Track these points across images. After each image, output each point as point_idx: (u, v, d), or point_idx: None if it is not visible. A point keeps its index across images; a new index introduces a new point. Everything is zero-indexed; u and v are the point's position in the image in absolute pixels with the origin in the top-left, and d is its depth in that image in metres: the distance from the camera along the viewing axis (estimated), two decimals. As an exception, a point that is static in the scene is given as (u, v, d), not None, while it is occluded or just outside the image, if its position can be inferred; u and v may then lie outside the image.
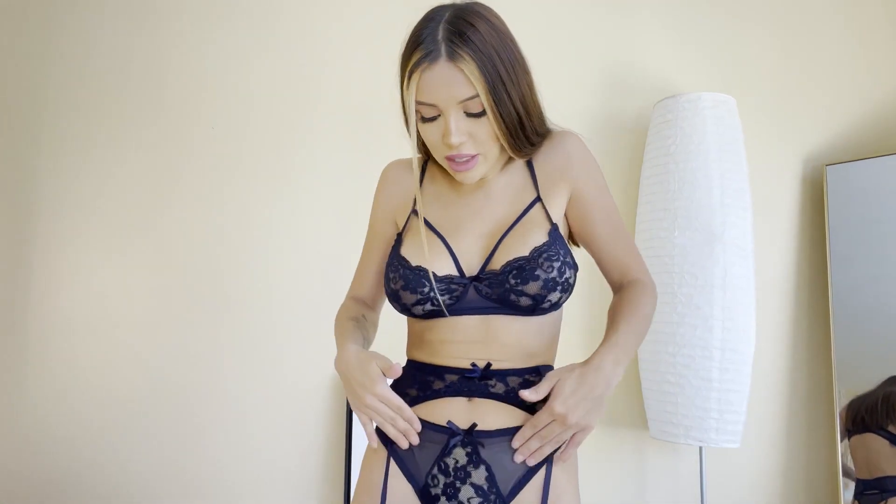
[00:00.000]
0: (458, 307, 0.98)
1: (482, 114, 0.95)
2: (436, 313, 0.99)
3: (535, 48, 2.12)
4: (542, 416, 0.90)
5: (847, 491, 1.82)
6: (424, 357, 1.03)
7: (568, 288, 0.97)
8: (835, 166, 1.96)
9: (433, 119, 0.97)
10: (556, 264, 0.95)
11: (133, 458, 2.08)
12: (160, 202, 2.16)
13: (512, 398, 0.96)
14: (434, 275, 0.98)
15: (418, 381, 1.01)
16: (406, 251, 1.02)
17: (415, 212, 1.06)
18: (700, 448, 1.81)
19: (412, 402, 0.99)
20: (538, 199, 1.04)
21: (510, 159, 1.08)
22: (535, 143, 1.05)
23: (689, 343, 1.73)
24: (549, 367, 1.04)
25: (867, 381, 1.82)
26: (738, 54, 2.09)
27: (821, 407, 1.97)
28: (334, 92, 2.16)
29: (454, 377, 0.98)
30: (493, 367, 0.98)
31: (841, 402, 1.85)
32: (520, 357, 0.99)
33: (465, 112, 0.95)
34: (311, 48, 2.19)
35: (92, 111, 2.21)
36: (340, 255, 1.97)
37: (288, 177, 2.14)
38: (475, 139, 0.97)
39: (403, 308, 1.00)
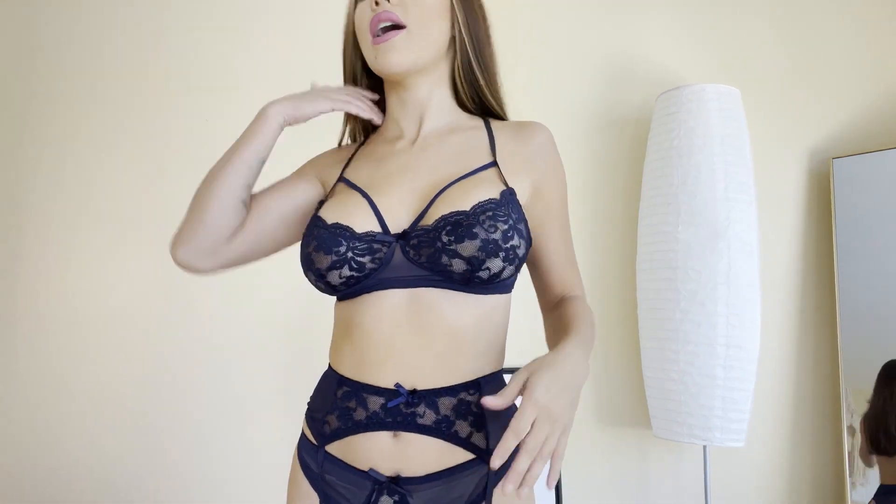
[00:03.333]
0: (382, 277, 0.83)
1: None
2: (357, 283, 0.84)
3: (537, 39, 2.12)
4: (525, 414, 0.70)
5: (854, 491, 1.80)
6: (346, 367, 0.87)
7: (514, 259, 0.82)
8: (841, 159, 1.94)
9: None
10: (502, 226, 0.80)
11: (130, 457, 2.07)
12: (155, 195, 2.14)
13: (443, 431, 0.81)
14: (352, 231, 0.84)
15: (339, 408, 0.85)
16: (324, 212, 0.88)
17: (342, 179, 0.95)
18: (704, 447, 1.79)
19: (332, 435, 0.86)
20: (494, 163, 0.91)
21: (459, 119, 0.99)
22: (490, 93, 0.98)
23: (692, 340, 1.71)
24: (495, 377, 0.88)
25: (874, 378, 1.79)
26: (743, 45, 2.07)
27: (827, 405, 1.95)
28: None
29: (377, 404, 0.82)
30: (420, 389, 0.82)
31: (848, 400, 1.83)
32: (454, 354, 0.83)
33: None
34: (304, 40, 2.16)
35: (82, 103, 2.19)
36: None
37: (285, 169, 2.12)
38: (405, 6, 0.88)
39: (318, 276, 0.84)
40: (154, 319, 2.11)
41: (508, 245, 0.81)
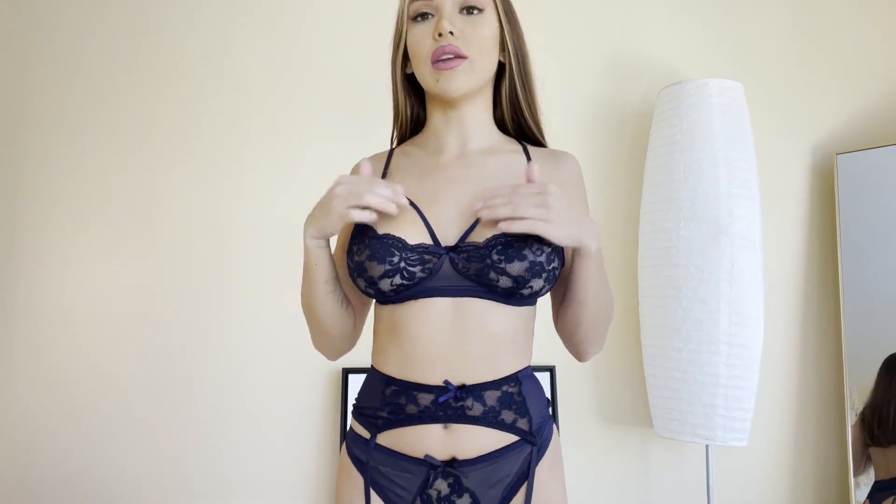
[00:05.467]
0: (430, 285, 0.91)
1: (482, 11, 0.96)
2: (405, 290, 0.91)
3: (539, 33, 2.08)
4: (531, 186, 0.85)
5: (858, 490, 1.78)
6: (393, 368, 0.94)
7: (552, 279, 0.91)
8: (845, 155, 1.92)
9: (424, 17, 0.97)
10: (547, 249, 0.89)
11: (128, 457, 2.06)
12: (154, 193, 2.13)
13: (491, 419, 0.91)
14: (405, 243, 0.91)
15: (389, 404, 0.93)
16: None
17: None
18: (706, 446, 1.78)
19: (384, 425, 0.94)
20: None
21: (500, 141, 1.05)
22: (529, 117, 1.05)
23: (695, 338, 1.70)
24: (528, 372, 0.98)
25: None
26: (746, 40, 2.05)
27: (831, 404, 1.93)
28: (331, 80, 2.12)
29: (427, 400, 0.91)
30: (468, 384, 0.91)
31: (852, 398, 1.82)
32: (496, 354, 0.92)
33: (462, 7, 0.96)
34: (299, 34, 2.15)
35: (79, 101, 2.18)
36: (335, 248, 1.94)
37: (284, 167, 2.11)
38: (467, 39, 0.95)
39: (369, 283, 0.91)
40: (153, 319, 2.09)
41: (551, 267, 0.89)
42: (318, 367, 2.01)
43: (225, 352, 2.07)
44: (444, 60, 0.94)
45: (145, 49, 2.18)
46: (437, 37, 0.95)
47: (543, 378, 1.93)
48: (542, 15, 2.10)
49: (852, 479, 1.80)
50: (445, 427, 0.90)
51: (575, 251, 0.90)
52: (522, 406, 0.93)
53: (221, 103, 2.14)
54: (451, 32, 0.94)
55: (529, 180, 0.88)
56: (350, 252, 0.94)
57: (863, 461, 1.78)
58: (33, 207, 2.15)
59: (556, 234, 0.84)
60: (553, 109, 2.05)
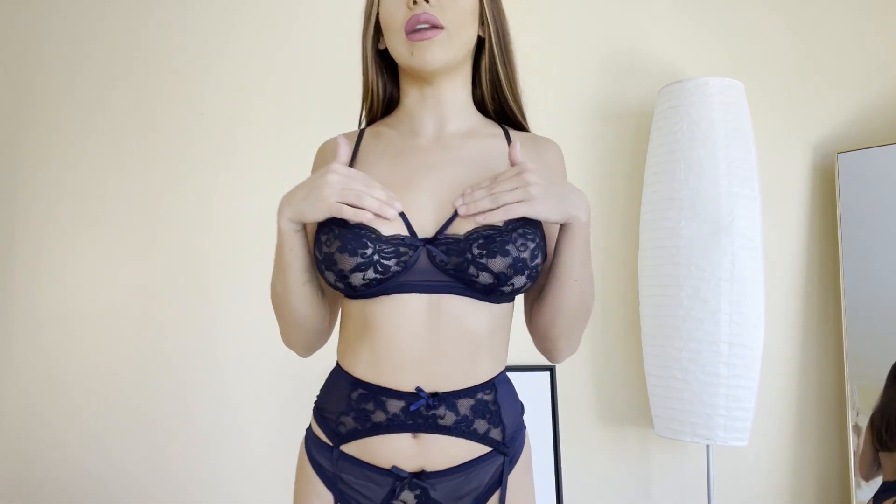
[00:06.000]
0: (405, 280, 0.84)
1: None
2: (378, 284, 0.84)
3: (539, 32, 2.09)
4: (511, 171, 0.82)
5: (860, 490, 1.78)
6: (361, 369, 0.88)
7: (534, 276, 0.85)
8: (847, 154, 1.92)
9: None
10: (531, 245, 0.83)
11: (126, 457, 2.05)
12: (151, 194, 2.12)
13: (463, 430, 0.85)
14: (378, 234, 0.83)
15: (354, 409, 0.87)
16: None
17: None
18: (707, 446, 1.78)
19: (348, 436, 0.87)
20: None
21: (479, 123, 0.99)
22: (510, 96, 0.99)
23: (695, 338, 1.69)
24: (503, 377, 0.93)
25: (880, 376, 1.78)
26: (747, 38, 2.04)
27: (832, 404, 1.93)
28: (331, 80, 2.12)
29: (397, 407, 0.85)
30: (441, 392, 0.85)
31: (853, 397, 1.81)
32: (472, 358, 0.87)
33: None
34: (298, 32, 2.14)
35: (77, 100, 2.17)
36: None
37: (283, 167, 2.10)
38: (444, 8, 0.89)
39: (339, 276, 0.83)
40: (152, 319, 2.09)
41: (534, 263, 0.84)
42: (315, 367, 2.00)
43: (224, 351, 2.06)
44: (419, 31, 0.88)
45: (144, 49, 2.17)
46: (411, 5, 0.88)
47: (543, 378, 1.93)
48: (543, 13, 2.10)
49: (853, 479, 1.79)
50: (415, 436, 0.85)
51: (562, 227, 0.86)
52: (496, 415, 0.88)
53: (221, 103, 2.13)
54: (427, 1, 0.88)
55: (512, 161, 0.85)
56: (318, 242, 0.86)
57: (874, 466, 1.77)
58: (33, 207, 2.15)
59: (541, 210, 0.80)
60: (554, 108, 2.06)
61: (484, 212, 0.81)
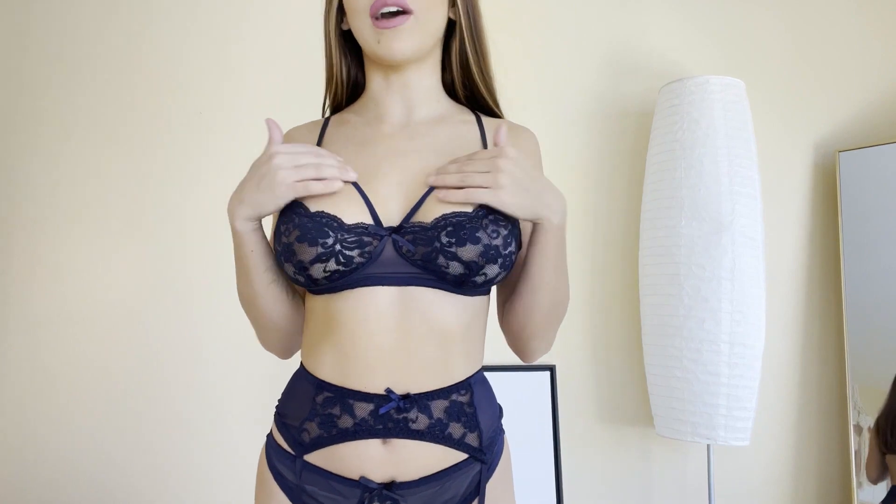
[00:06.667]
0: (370, 272, 0.78)
1: None
2: (341, 277, 0.78)
3: (540, 30, 2.08)
4: (485, 153, 0.78)
5: (861, 490, 1.77)
6: (326, 370, 0.82)
7: (509, 265, 0.80)
8: (848, 152, 1.91)
9: None
10: (503, 231, 0.78)
11: (120, 455, 2.05)
12: (149, 191, 2.12)
13: (437, 434, 0.79)
14: (340, 222, 0.78)
15: (319, 415, 0.80)
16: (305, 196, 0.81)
17: None
18: (708, 446, 1.77)
19: (312, 444, 0.81)
20: None
21: (450, 109, 0.94)
22: (481, 82, 0.93)
23: (696, 337, 1.68)
24: (480, 377, 0.87)
25: (882, 376, 1.78)
26: (748, 36, 2.04)
27: (833, 403, 1.92)
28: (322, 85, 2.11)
29: (365, 411, 0.78)
30: (413, 392, 0.79)
31: (854, 396, 1.81)
32: (445, 356, 0.81)
33: None
34: (295, 29, 2.13)
35: (75, 98, 2.16)
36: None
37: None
38: None
39: (299, 268, 0.78)
40: (147, 318, 2.08)
41: (507, 251, 0.79)
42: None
43: (218, 351, 2.06)
44: (386, 17, 0.82)
45: (141, 48, 2.17)
46: None
47: (543, 378, 1.92)
48: (543, 12, 2.09)
49: (855, 479, 1.78)
50: (385, 443, 0.79)
51: (534, 226, 0.81)
52: (473, 418, 0.82)
53: (220, 103, 2.13)
54: None
55: (495, 142, 0.80)
56: (277, 233, 0.81)
57: (881, 470, 1.76)
58: (28, 207, 2.14)
59: (507, 202, 0.76)
60: (555, 106, 2.05)
61: (449, 187, 0.77)
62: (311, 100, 2.10)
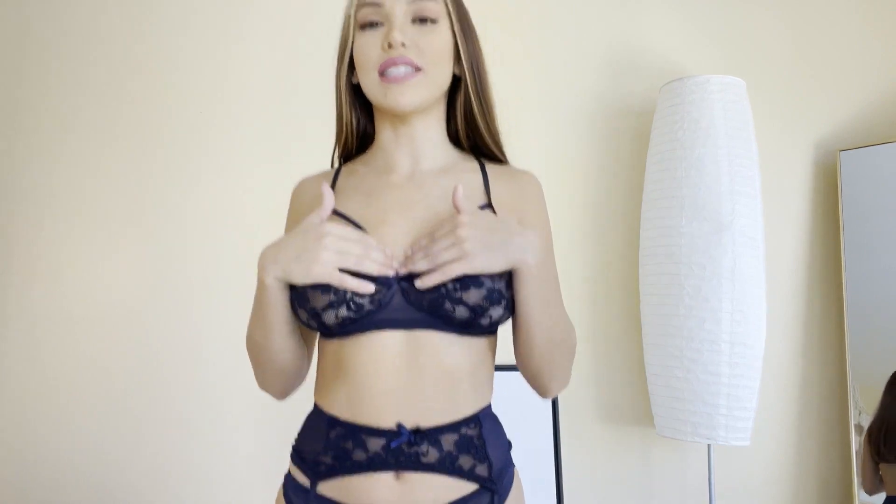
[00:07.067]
0: (380, 317, 0.82)
1: (435, 22, 0.89)
2: (352, 323, 0.82)
3: (540, 29, 2.08)
4: (445, 226, 0.81)
5: (862, 491, 1.76)
6: (339, 408, 0.85)
7: (511, 307, 0.84)
8: (849, 152, 1.90)
9: (374, 26, 0.89)
10: (505, 275, 0.82)
11: (120, 456, 2.05)
12: (147, 193, 2.12)
13: (447, 466, 0.82)
14: (350, 270, 0.81)
15: (333, 448, 0.84)
16: None
17: (333, 211, 0.91)
18: (708, 446, 1.76)
19: (327, 473, 0.84)
20: (489, 205, 0.92)
21: (455, 159, 0.98)
22: (486, 134, 0.97)
23: (696, 337, 1.68)
24: (489, 412, 0.90)
25: (882, 375, 1.77)
26: (748, 35, 2.03)
27: (834, 403, 1.92)
28: (329, 79, 2.11)
29: (377, 445, 0.82)
30: (423, 427, 0.82)
31: (856, 397, 1.80)
32: (453, 393, 0.84)
33: (414, 17, 0.88)
34: (296, 31, 2.13)
35: (75, 98, 2.16)
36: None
37: (283, 167, 2.09)
38: (420, 50, 0.88)
39: (312, 315, 0.82)
40: (147, 318, 2.08)
41: (509, 293, 0.83)
42: (315, 366, 2.00)
43: (218, 352, 2.06)
44: (393, 73, 0.87)
45: (141, 48, 2.17)
46: (386, 47, 0.87)
47: (544, 377, 1.92)
48: (543, 12, 2.09)
49: (856, 479, 1.78)
50: (397, 477, 0.82)
51: (514, 272, 0.83)
52: (482, 450, 0.85)
53: (219, 103, 2.13)
54: (403, 44, 0.86)
55: (454, 206, 0.82)
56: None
57: (876, 480, 1.75)
58: (27, 208, 2.14)
59: (479, 264, 0.78)
60: (555, 105, 2.05)
61: (423, 273, 0.80)
62: (311, 100, 2.10)
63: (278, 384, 0.96)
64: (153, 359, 2.07)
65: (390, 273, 0.82)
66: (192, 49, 2.15)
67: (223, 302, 2.07)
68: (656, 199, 1.80)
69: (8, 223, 2.15)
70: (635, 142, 2.03)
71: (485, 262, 0.79)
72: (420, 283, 0.80)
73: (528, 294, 0.83)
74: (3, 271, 2.13)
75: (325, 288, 0.80)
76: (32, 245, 2.13)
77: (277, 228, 2.17)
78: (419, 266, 0.81)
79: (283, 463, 2.07)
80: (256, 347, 0.92)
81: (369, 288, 0.80)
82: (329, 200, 0.84)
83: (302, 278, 0.80)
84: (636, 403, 1.98)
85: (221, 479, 2.03)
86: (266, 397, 2.04)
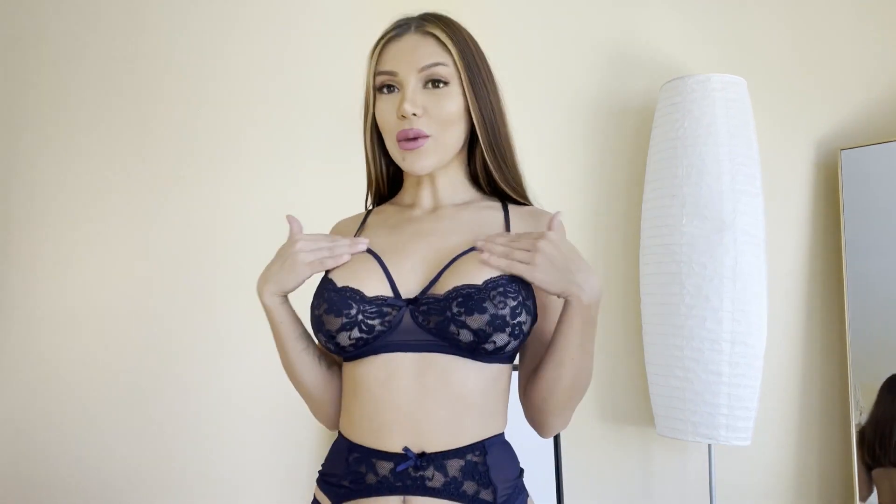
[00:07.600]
0: (391, 339, 0.87)
1: (446, 84, 0.94)
2: (365, 344, 0.88)
3: (540, 27, 2.07)
4: (530, 235, 0.87)
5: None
6: (355, 432, 0.90)
7: (518, 334, 0.86)
8: (850, 150, 1.90)
9: (390, 91, 0.96)
10: (511, 303, 0.85)
11: (125, 454, 2.05)
12: (148, 191, 2.11)
13: (452, 492, 0.85)
14: (363, 295, 0.88)
15: (351, 472, 0.88)
16: (334, 275, 0.92)
17: None
18: (709, 446, 1.76)
19: (345, 496, 0.88)
20: None
21: (476, 197, 1.04)
22: (501, 181, 1.01)
23: (697, 336, 1.68)
24: (499, 440, 0.92)
25: (884, 374, 1.76)
26: (749, 33, 2.03)
27: (835, 403, 1.91)
28: (329, 79, 2.11)
29: (386, 469, 0.85)
30: (429, 451, 0.85)
31: (856, 397, 1.80)
32: (459, 418, 0.87)
33: (426, 81, 0.94)
34: (292, 26, 2.13)
35: (75, 98, 2.16)
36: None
37: (282, 166, 2.09)
38: (431, 116, 0.94)
39: (328, 337, 0.88)
40: (149, 317, 2.08)
41: (516, 321, 0.85)
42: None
43: (222, 349, 2.06)
44: (408, 140, 0.93)
45: (141, 46, 2.17)
46: (399, 118, 0.93)
47: (544, 377, 1.91)
48: (544, 10, 2.08)
49: (857, 479, 1.77)
50: (404, 501, 0.85)
51: (564, 301, 0.87)
52: (485, 476, 0.87)
53: (222, 102, 2.13)
54: (415, 114, 0.92)
55: (549, 230, 0.88)
56: (312, 307, 0.92)
57: (867, 486, 1.73)
58: (28, 205, 2.14)
59: (538, 278, 0.84)
60: (555, 103, 2.05)
61: (494, 255, 0.86)
62: (311, 99, 2.10)
63: (318, 411, 1.02)
64: (155, 356, 2.07)
65: (361, 247, 0.90)
66: (193, 50, 2.15)
67: (223, 301, 2.07)
68: (657, 197, 1.79)
69: (10, 223, 2.14)
70: (636, 140, 2.03)
71: (544, 279, 0.84)
72: (484, 259, 0.85)
73: (570, 328, 0.87)
74: (5, 271, 2.13)
75: (337, 311, 0.86)
76: (34, 243, 2.13)
77: (279, 226, 2.17)
78: (496, 248, 0.86)
79: (288, 461, 2.07)
80: (287, 372, 0.99)
81: (345, 258, 0.89)
82: (295, 225, 0.94)
83: (294, 282, 0.90)
84: (636, 403, 1.97)
85: (227, 477, 2.03)
86: (272, 396, 2.05)
